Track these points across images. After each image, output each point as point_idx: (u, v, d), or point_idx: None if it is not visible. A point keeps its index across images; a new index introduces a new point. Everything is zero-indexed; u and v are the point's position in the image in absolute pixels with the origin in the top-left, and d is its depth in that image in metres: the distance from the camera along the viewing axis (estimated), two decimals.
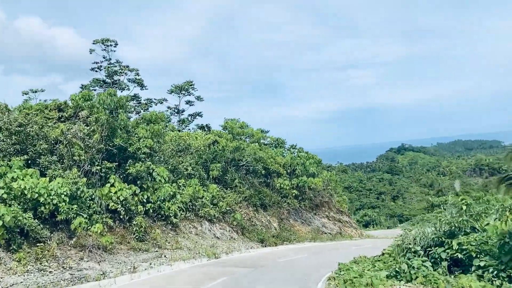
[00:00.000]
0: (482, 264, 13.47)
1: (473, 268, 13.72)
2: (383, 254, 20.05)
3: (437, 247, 15.07)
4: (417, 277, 13.29)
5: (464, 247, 14.02)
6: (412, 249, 15.39)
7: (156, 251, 25.14)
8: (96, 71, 47.70)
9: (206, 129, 48.64)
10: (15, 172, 21.23)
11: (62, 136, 25.12)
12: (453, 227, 15.02)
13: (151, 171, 27.71)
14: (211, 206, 32.12)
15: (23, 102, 36.56)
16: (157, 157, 30.92)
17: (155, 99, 52.68)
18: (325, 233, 42.29)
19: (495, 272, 13.02)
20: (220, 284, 17.47)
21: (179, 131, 43.65)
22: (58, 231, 21.96)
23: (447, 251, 14.70)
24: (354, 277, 14.40)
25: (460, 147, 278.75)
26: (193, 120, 54.78)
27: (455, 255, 14.25)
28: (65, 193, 21.98)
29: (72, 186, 22.74)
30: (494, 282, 12.62)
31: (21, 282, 17.53)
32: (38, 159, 23.84)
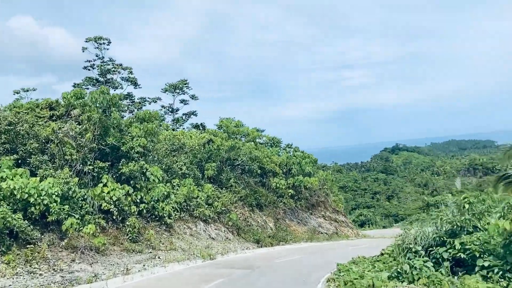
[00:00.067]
0: (486, 264, 13.11)
1: (476, 269, 13.35)
2: (382, 254, 19.67)
3: (438, 247, 14.69)
4: (419, 278, 12.90)
5: (467, 246, 13.64)
6: (413, 249, 15.00)
7: (150, 252, 24.63)
8: (89, 69, 47.04)
9: (201, 128, 48.12)
10: (4, 172, 20.68)
11: (53, 135, 24.58)
12: (455, 226, 14.64)
13: (144, 170, 27.19)
14: (206, 206, 31.64)
15: (13, 101, 35.86)
16: (151, 157, 30.41)
17: (148, 98, 52.14)
18: (322, 233, 41.92)
19: (501, 272, 12.67)
20: (216, 287, 16.99)
21: (173, 130, 43.10)
22: (49, 232, 21.42)
23: (449, 251, 14.33)
24: (355, 279, 14.00)
25: (454, 147, 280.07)
26: (187, 119, 54.28)
27: (458, 255, 13.87)
28: (56, 193, 21.49)
29: (63, 186, 22.24)
30: (500, 283, 12.25)
31: (10, 285, 16.98)
32: (28, 159, 23.33)
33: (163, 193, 27.87)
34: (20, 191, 19.93)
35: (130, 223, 24.78)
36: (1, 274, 17.48)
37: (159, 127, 31.31)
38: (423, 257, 14.57)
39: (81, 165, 24.96)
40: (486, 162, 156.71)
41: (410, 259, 14.39)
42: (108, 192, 24.64)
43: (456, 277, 13.23)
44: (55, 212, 21.13)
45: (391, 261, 16.62)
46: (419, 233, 15.48)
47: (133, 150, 27.03)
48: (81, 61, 47.04)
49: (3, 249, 18.61)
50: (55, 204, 21.22)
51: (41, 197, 20.68)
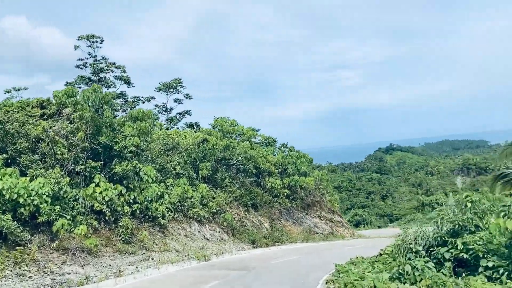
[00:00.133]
0: (490, 264, 12.77)
1: (480, 269, 13.00)
2: (380, 254, 19.32)
3: (439, 247, 14.35)
4: (421, 279, 12.53)
5: (470, 246, 13.29)
6: (413, 249, 14.64)
7: (143, 253, 24.13)
8: (81, 68, 46.30)
9: (195, 127, 47.58)
10: None
11: (44, 133, 24.06)
12: (456, 226, 14.30)
13: (138, 170, 26.70)
14: (201, 206, 31.18)
15: (4, 100, 35.17)
16: (144, 156, 29.92)
17: (142, 97, 51.46)
18: (317, 233, 41.57)
19: (506, 273, 12.34)
20: None
21: (167, 129, 42.56)
22: (39, 234, 20.88)
23: (450, 251, 13.98)
24: (355, 280, 13.61)
25: (448, 147, 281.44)
26: (181, 119, 53.66)
27: (460, 255, 13.52)
28: (46, 194, 20.98)
29: (54, 186, 21.72)
30: (508, 284, 11.89)
31: None
32: (18, 158, 22.82)
33: (157, 193, 27.39)
34: (9, 191, 19.39)
35: (123, 224, 24.30)
36: None
37: (153, 126, 30.80)
38: (423, 257, 14.21)
39: (72, 165, 24.48)
40: (479, 162, 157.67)
41: (411, 260, 14.02)
42: (101, 192, 24.18)
43: (459, 278, 12.88)
44: (46, 213, 20.63)
45: (390, 262, 16.26)
46: (419, 232, 15.13)
47: (126, 150, 26.57)
48: (74, 61, 46.40)
49: None
50: (45, 204, 20.73)
51: (31, 198, 20.16)
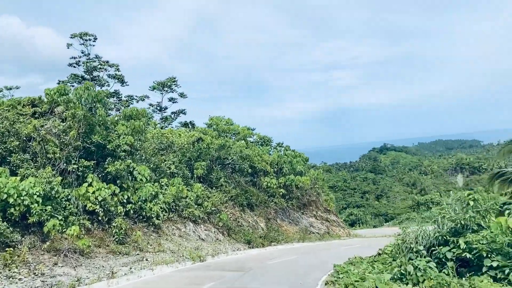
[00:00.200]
0: (495, 264, 12.45)
1: (484, 269, 12.69)
2: (379, 254, 18.99)
3: (441, 247, 14.03)
4: (424, 280, 12.21)
5: (474, 245, 12.97)
6: (414, 249, 14.31)
7: (137, 254, 23.67)
8: (74, 66, 45.61)
9: (190, 126, 47.09)
10: None
11: (35, 132, 23.53)
12: (458, 225, 13.99)
13: (131, 169, 26.26)
14: (196, 206, 30.74)
15: None
16: (138, 156, 29.46)
17: (136, 96, 50.86)
18: (313, 232, 41.25)
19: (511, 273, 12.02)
20: None
21: (161, 128, 42.05)
22: (30, 235, 20.37)
23: (452, 250, 13.66)
24: (356, 281, 13.25)
25: (441, 146, 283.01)
26: (176, 118, 53.13)
27: (463, 254, 13.20)
28: (37, 193, 20.48)
29: (45, 185, 21.23)
30: None
31: None
32: (8, 157, 22.32)
33: (151, 193, 26.94)
34: None
35: (116, 224, 23.85)
36: None
37: (147, 125, 30.33)
38: (424, 257, 13.88)
39: (64, 164, 24.02)
40: (472, 161, 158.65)
41: (412, 260, 13.69)
42: (93, 192, 23.70)
43: (464, 279, 12.56)
44: (37, 213, 20.14)
45: (390, 262, 15.93)
46: (420, 232, 14.80)
47: (119, 149, 26.12)
48: (68, 60, 45.65)
49: None
50: (36, 204, 20.23)
51: (22, 198, 19.65)
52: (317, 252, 28.48)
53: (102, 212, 23.63)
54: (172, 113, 53.74)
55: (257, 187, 39.61)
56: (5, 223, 18.64)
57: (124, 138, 26.34)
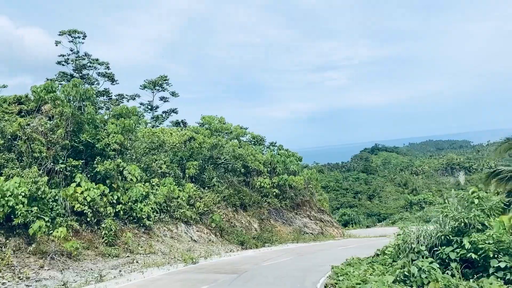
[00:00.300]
0: (502, 265, 11.95)
1: (491, 270, 12.18)
2: (378, 255, 18.45)
3: (444, 247, 13.52)
4: (429, 282, 11.68)
5: (480, 245, 12.47)
6: (415, 249, 13.78)
7: (127, 256, 22.95)
8: (63, 64, 44.57)
9: (182, 125, 46.32)
10: None
11: (20, 131, 22.66)
12: (462, 224, 13.49)
13: (121, 169, 25.53)
14: (188, 207, 30.05)
15: None
16: (129, 155, 28.71)
17: (126, 94, 49.88)
18: (307, 233, 40.71)
19: None
20: None
21: (152, 127, 41.26)
22: (15, 237, 19.61)
23: (456, 250, 13.16)
24: (357, 284, 12.69)
25: (431, 147, 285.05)
26: (167, 117, 52.28)
27: (468, 255, 12.69)
28: (23, 194, 19.79)
29: (31, 186, 20.49)
30: None
31: None
32: None
33: (142, 193, 26.24)
34: None
35: (105, 226, 23.17)
36: None
37: (137, 124, 29.55)
38: (426, 257, 13.35)
39: (52, 164, 23.27)
40: (463, 161, 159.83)
41: (414, 260, 13.15)
42: (82, 192, 23.03)
43: (471, 280, 12.04)
44: (22, 215, 19.43)
45: (391, 263, 15.39)
46: (422, 231, 14.27)
47: (109, 148, 25.38)
48: (57, 58, 44.57)
49: None
50: (21, 205, 19.53)
51: (6, 198, 18.97)
52: (312, 253, 27.91)
53: (91, 213, 22.96)
54: (163, 112, 52.96)
55: (250, 187, 39.00)
56: None
57: (113, 137, 25.57)
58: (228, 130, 41.05)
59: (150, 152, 31.78)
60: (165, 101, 52.33)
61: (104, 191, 24.06)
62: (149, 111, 52.20)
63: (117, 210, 24.67)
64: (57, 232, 20.35)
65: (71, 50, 44.13)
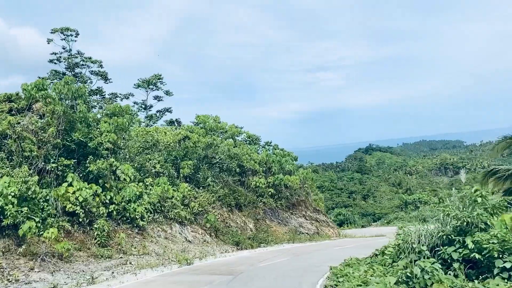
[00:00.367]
0: (508, 265, 11.63)
1: (495, 271, 11.86)
2: (376, 255, 18.12)
3: (445, 247, 13.20)
4: (432, 283, 11.34)
5: (484, 245, 12.16)
6: (416, 249, 13.45)
7: (121, 257, 22.47)
8: (55, 63, 43.89)
9: (176, 124, 45.82)
10: None
11: (10, 129, 22.11)
12: (464, 223, 13.17)
13: (114, 168, 25.01)
14: (182, 207, 29.58)
15: None
16: (122, 154, 28.22)
17: (120, 93, 49.24)
18: (303, 233, 40.39)
19: None
20: None
21: (146, 126, 40.74)
22: (4, 238, 19.09)
23: (458, 250, 12.85)
24: (358, 285, 12.36)
25: (425, 147, 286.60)
26: (161, 116, 51.72)
27: (472, 255, 12.38)
28: (12, 194, 19.26)
29: (21, 185, 19.93)
30: None
31: None
32: None
33: (135, 193, 25.74)
34: None
35: (98, 226, 22.65)
36: None
37: (131, 123, 29.04)
38: (428, 258, 13.02)
39: (43, 163, 22.72)
40: (456, 161, 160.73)
41: (415, 261, 12.81)
42: (74, 192, 22.48)
43: (477, 282, 11.71)
44: (11, 215, 18.91)
45: (391, 263, 15.07)
46: (423, 231, 13.94)
47: (101, 147, 24.86)
48: (49, 57, 43.84)
49: None
50: (11, 206, 19.03)
51: None
52: (308, 253, 27.57)
53: (83, 213, 22.43)
54: (157, 111, 52.36)
55: (245, 187, 38.61)
56: None
57: (106, 135, 25.07)
58: (223, 129, 40.62)
59: (144, 151, 31.31)
60: (159, 100, 51.81)
61: (96, 191, 23.55)
62: (143, 110, 51.65)
63: (110, 210, 24.18)
64: (48, 233, 19.83)
65: (64, 48, 43.52)
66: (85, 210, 22.64)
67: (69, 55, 43.50)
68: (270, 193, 39.41)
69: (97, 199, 23.58)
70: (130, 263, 21.95)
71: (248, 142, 46.87)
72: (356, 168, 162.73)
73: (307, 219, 42.64)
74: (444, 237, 13.45)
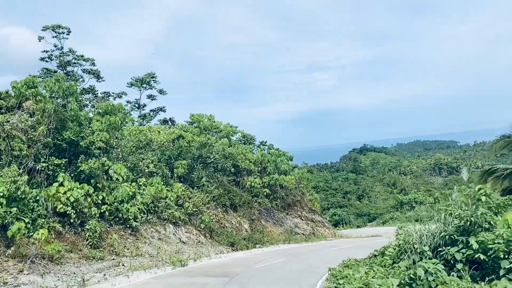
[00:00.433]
0: None
1: (501, 272, 11.50)
2: (375, 256, 17.73)
3: (448, 247, 12.83)
4: (437, 285, 10.95)
5: (489, 245, 11.79)
6: (418, 250, 13.06)
7: (113, 259, 21.93)
8: (47, 61, 43.13)
9: (170, 123, 45.25)
10: None
11: None
12: (468, 222, 12.80)
13: (107, 168, 24.46)
14: (176, 207, 29.04)
15: None
16: (115, 154, 27.65)
17: (113, 92, 48.54)
18: (298, 233, 39.98)
19: None
20: None
21: (140, 125, 40.15)
22: None
23: (462, 251, 12.48)
24: (360, 287, 11.96)
25: (419, 147, 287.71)
26: (155, 116, 51.07)
27: (476, 255, 12.01)
28: (1, 194, 18.80)
29: (10, 185, 19.35)
30: None
31: None
32: None
33: (128, 193, 25.20)
34: None
35: (90, 227, 22.11)
36: None
37: (124, 122, 28.48)
38: (430, 258, 12.63)
39: (33, 162, 22.15)
40: (450, 161, 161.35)
41: (416, 262, 12.40)
42: (65, 192, 21.95)
43: (482, 283, 11.34)
44: (0, 216, 18.32)
45: (391, 264, 14.68)
46: (425, 230, 13.55)
47: (93, 146, 24.33)
48: (40, 55, 43.08)
49: None
50: (0, 206, 18.35)
51: None
52: (305, 254, 27.15)
53: (74, 214, 21.88)
54: (151, 110, 51.70)
55: (240, 187, 38.12)
56: None
57: (99, 134, 24.51)
58: (218, 128, 40.12)
59: (137, 150, 30.74)
60: (152, 99, 51.14)
61: (88, 191, 23.01)
62: (136, 109, 50.96)
63: (102, 210, 23.64)
64: (38, 234, 19.28)
65: (55, 46, 42.78)
66: (76, 210, 22.10)
67: (60, 53, 42.78)
68: (265, 193, 38.97)
69: (89, 199, 23.04)
70: (123, 264, 21.42)
71: (243, 141, 46.39)
72: (351, 168, 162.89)
73: (302, 220, 42.25)
74: (447, 237, 13.08)
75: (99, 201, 23.63)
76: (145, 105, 51.71)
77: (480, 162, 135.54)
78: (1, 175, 19.80)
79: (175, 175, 31.44)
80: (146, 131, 32.52)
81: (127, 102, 50.60)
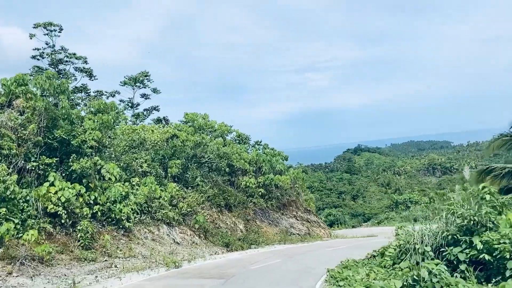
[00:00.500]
0: None
1: (508, 273, 11.17)
2: (374, 256, 17.37)
3: (451, 247, 12.49)
4: (441, 287, 10.59)
5: (494, 245, 11.47)
6: (419, 250, 12.72)
7: (105, 260, 21.40)
8: (38, 59, 42.40)
9: (164, 122, 44.70)
10: None
11: None
12: (471, 222, 12.48)
13: (99, 167, 23.93)
14: (170, 207, 28.56)
15: None
16: (107, 153, 27.12)
17: (106, 91, 47.90)
18: (294, 234, 39.61)
19: None
20: None
21: (133, 124, 39.58)
22: None
23: (465, 251, 12.15)
24: None
25: (413, 147, 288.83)
26: (149, 115, 50.48)
27: (481, 256, 11.68)
28: None
29: None
30: None
31: None
32: None
33: (121, 193, 24.70)
34: None
35: (81, 228, 21.55)
36: None
37: (117, 120, 27.93)
38: (432, 259, 12.28)
39: (23, 161, 21.62)
40: (444, 162, 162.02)
41: (418, 262, 12.06)
42: (56, 192, 21.38)
43: (489, 285, 11.01)
44: None
45: (391, 265, 14.33)
46: (426, 230, 13.21)
47: (85, 145, 23.83)
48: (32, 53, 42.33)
49: None
50: None
51: None
52: (301, 254, 26.77)
53: (65, 214, 21.33)
54: (144, 110, 51.10)
55: (235, 187, 37.68)
56: None
57: (91, 133, 23.99)
58: (212, 128, 39.65)
59: (130, 150, 30.23)
60: (146, 98, 50.54)
61: (80, 191, 22.47)
62: (129, 108, 50.35)
63: (94, 211, 23.12)
64: (28, 235, 18.71)
65: (47, 44, 42.06)
66: (67, 211, 21.56)
67: (52, 51, 42.08)
68: (260, 193, 38.55)
69: (81, 199, 22.50)
70: (115, 266, 20.92)
71: (237, 141, 45.95)
72: (345, 168, 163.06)
73: (298, 220, 41.89)
74: (449, 237, 12.74)
75: (91, 201, 23.13)
76: (138, 104, 51.19)
77: (474, 162, 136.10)
78: None
79: (169, 174, 30.96)
80: (139, 130, 32.00)
81: (120, 101, 50.06)
